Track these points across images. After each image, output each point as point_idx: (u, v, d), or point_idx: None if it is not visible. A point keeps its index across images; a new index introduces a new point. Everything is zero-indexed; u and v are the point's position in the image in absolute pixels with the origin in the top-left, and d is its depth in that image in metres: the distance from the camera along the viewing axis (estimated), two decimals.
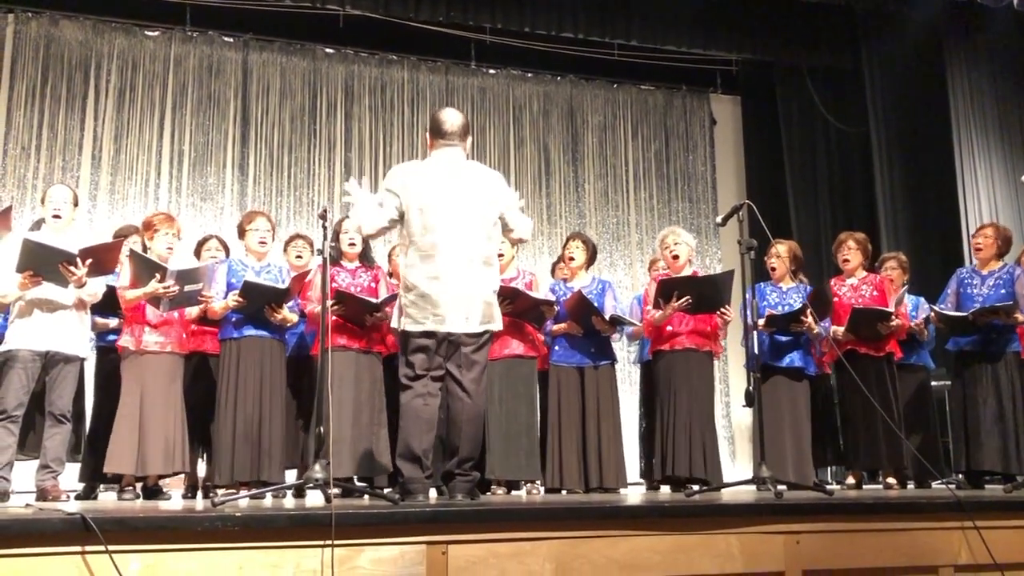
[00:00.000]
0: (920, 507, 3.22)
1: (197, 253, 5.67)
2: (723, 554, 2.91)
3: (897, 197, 9.05)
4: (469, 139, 3.96)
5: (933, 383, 6.23)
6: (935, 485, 5.67)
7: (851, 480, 5.61)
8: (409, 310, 3.69)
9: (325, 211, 3.67)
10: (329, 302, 3.77)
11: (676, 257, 5.40)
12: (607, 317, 5.35)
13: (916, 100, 9.14)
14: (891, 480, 5.40)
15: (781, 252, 5.54)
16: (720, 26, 9.18)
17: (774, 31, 9.38)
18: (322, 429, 3.40)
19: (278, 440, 4.91)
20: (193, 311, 4.98)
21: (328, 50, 9.19)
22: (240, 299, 4.85)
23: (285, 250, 5.69)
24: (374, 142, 9.23)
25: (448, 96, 9.41)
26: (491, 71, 9.72)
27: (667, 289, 5.16)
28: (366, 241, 5.08)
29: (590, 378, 5.40)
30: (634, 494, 5.38)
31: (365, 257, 5.19)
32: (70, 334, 4.60)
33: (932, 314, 5.65)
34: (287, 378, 5.09)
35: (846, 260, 5.64)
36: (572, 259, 5.57)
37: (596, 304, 5.35)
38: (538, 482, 5.37)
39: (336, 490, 3.30)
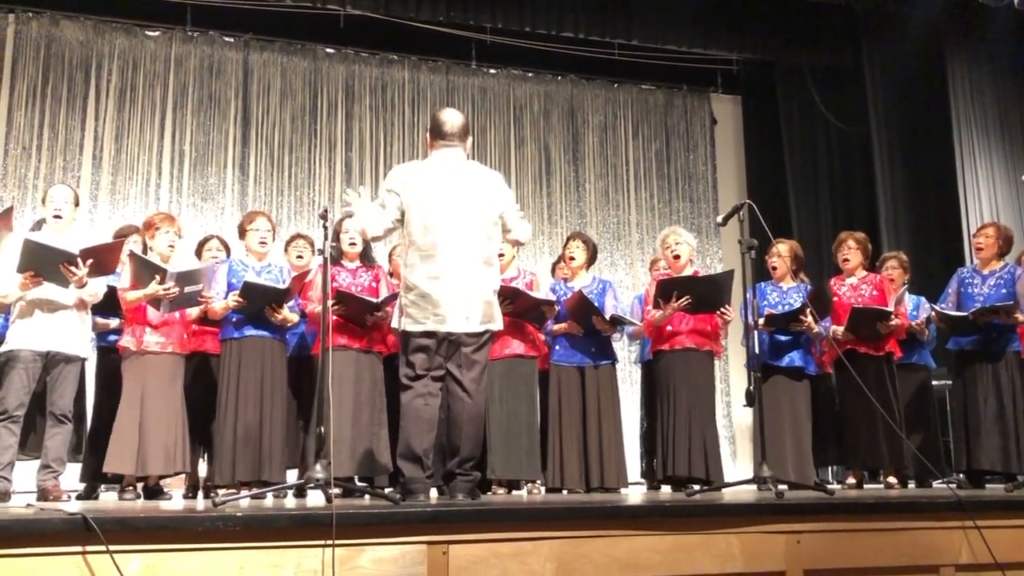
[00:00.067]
0: (921, 506, 3.22)
1: (198, 253, 5.68)
2: (724, 554, 2.91)
3: (898, 196, 9.05)
4: (469, 139, 3.96)
5: (934, 382, 6.23)
6: (936, 484, 5.67)
7: (852, 480, 5.61)
8: (409, 310, 3.69)
9: (326, 211, 3.67)
10: (330, 302, 3.77)
11: (677, 257, 5.40)
12: (608, 317, 5.35)
13: (917, 99, 9.14)
14: (892, 480, 5.40)
15: (782, 252, 5.54)
16: (721, 26, 9.17)
17: (775, 31, 9.37)
18: (323, 429, 3.41)
19: (279, 440, 4.91)
20: (194, 311, 4.99)
21: (329, 50, 9.19)
22: (240, 299, 4.85)
23: (286, 250, 5.69)
24: (375, 142, 9.23)
25: (449, 96, 9.41)
26: (491, 71, 9.72)
27: (666, 289, 5.16)
28: (367, 241, 5.08)
29: (591, 378, 5.39)
30: (635, 494, 5.38)
31: (366, 257, 5.20)
32: (71, 334, 4.60)
33: (933, 313, 5.65)
34: (288, 378, 5.09)
35: (846, 259, 5.64)
36: (573, 259, 5.57)
37: (597, 304, 5.35)
38: (539, 482, 5.37)
39: (337, 490, 3.30)
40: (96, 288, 4.68)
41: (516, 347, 5.26)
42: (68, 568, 2.34)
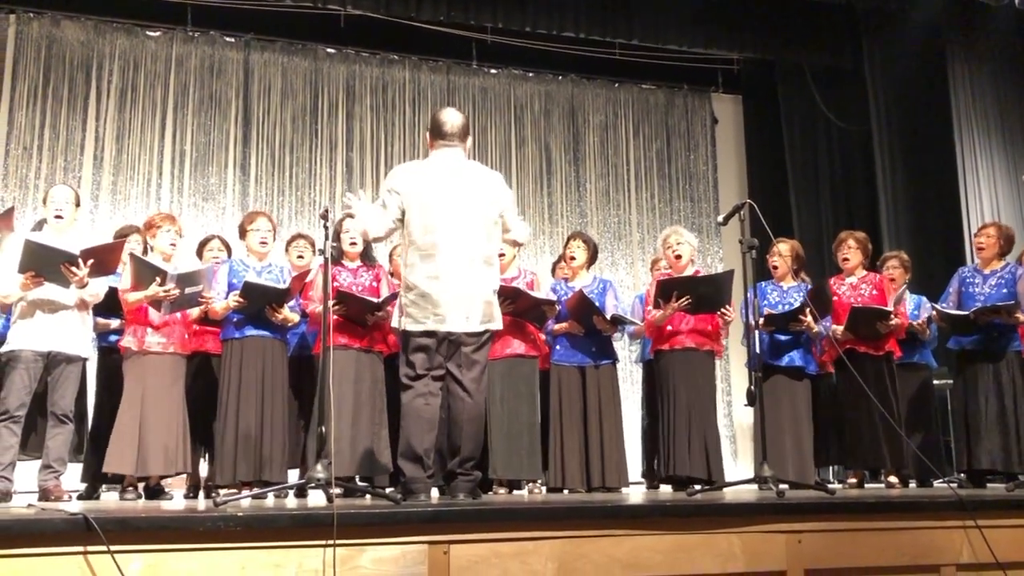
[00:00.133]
0: (922, 506, 3.22)
1: (199, 253, 5.68)
2: (725, 553, 2.91)
3: (899, 196, 9.04)
4: (469, 139, 3.97)
5: (935, 382, 6.23)
6: (937, 484, 5.67)
7: (853, 479, 5.61)
8: (409, 310, 3.69)
9: (327, 211, 3.68)
10: (330, 302, 3.77)
11: (679, 257, 5.40)
12: (608, 316, 5.35)
13: (918, 99, 9.13)
14: (893, 479, 5.40)
15: (783, 251, 5.54)
16: (721, 25, 9.17)
17: (775, 30, 9.37)
18: (323, 429, 3.41)
19: (280, 440, 4.91)
20: (194, 312, 4.99)
21: (329, 50, 9.19)
22: (241, 299, 4.85)
23: (286, 250, 5.69)
24: (375, 142, 9.23)
25: (449, 96, 9.41)
26: (492, 71, 9.72)
27: (666, 289, 5.16)
28: (367, 241, 5.08)
29: (591, 377, 5.39)
30: (636, 493, 5.38)
31: (366, 256, 5.20)
32: (72, 334, 4.60)
33: (934, 313, 5.65)
34: (289, 378, 5.09)
35: (846, 259, 5.64)
36: (573, 258, 5.57)
37: (597, 303, 5.34)
38: (540, 481, 5.37)
39: (338, 490, 3.30)
40: (97, 288, 4.69)
41: (517, 347, 5.26)
42: (69, 568, 2.34)
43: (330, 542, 2.50)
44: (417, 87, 9.44)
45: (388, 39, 9.11)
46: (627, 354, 8.11)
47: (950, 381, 6.27)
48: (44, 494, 4.49)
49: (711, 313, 5.27)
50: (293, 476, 5.18)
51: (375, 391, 4.94)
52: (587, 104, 10.00)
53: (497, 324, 3.81)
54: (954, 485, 4.96)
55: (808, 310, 5.21)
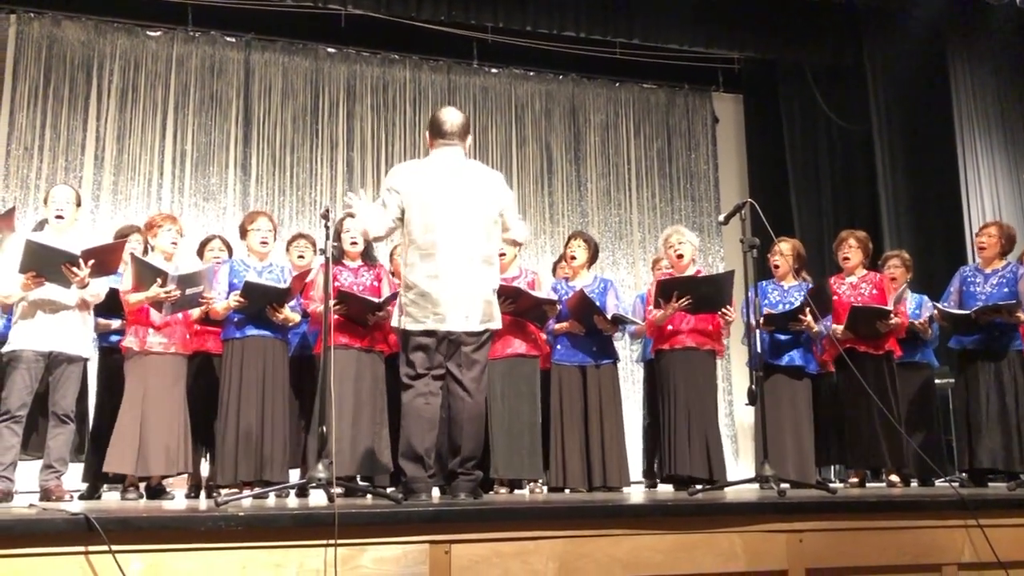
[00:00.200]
0: (923, 505, 3.22)
1: (200, 253, 5.69)
2: (726, 553, 2.91)
3: (900, 195, 9.04)
4: (469, 138, 3.97)
5: (937, 381, 6.22)
6: (938, 483, 5.67)
7: (854, 479, 5.61)
8: (409, 309, 3.69)
9: (328, 210, 3.68)
10: (331, 302, 3.77)
11: (680, 256, 5.40)
12: (609, 316, 5.35)
13: (918, 97, 9.12)
14: (894, 478, 5.40)
15: (784, 250, 5.54)
16: (722, 24, 9.16)
17: (776, 29, 9.36)
18: (324, 428, 3.41)
19: (281, 440, 4.91)
20: (195, 312, 4.99)
21: (330, 50, 9.19)
22: (241, 299, 4.85)
23: (287, 250, 5.69)
24: (376, 141, 9.23)
25: (450, 95, 9.41)
26: (493, 70, 9.72)
27: (666, 289, 5.16)
28: (368, 241, 5.08)
29: (592, 377, 5.39)
30: (637, 493, 5.38)
31: (367, 256, 5.20)
32: (73, 334, 4.61)
33: (935, 312, 5.64)
34: (290, 378, 5.09)
35: (846, 258, 5.64)
36: (574, 258, 5.56)
37: (598, 303, 5.34)
38: (541, 481, 5.37)
39: (339, 489, 3.30)
40: (98, 288, 4.69)
41: (518, 346, 5.26)
42: (71, 568, 2.34)
43: (331, 542, 2.50)
44: (418, 87, 9.44)
45: (389, 39, 9.10)
46: (628, 354, 8.10)
47: (952, 380, 6.26)
48: (45, 494, 4.49)
49: (712, 313, 5.27)
50: (294, 476, 5.18)
51: (376, 391, 4.94)
52: (588, 103, 10.00)
53: (497, 323, 3.81)
54: (955, 484, 4.96)
55: (808, 309, 5.21)
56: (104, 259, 4.55)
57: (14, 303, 4.59)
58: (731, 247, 9.57)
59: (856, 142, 9.61)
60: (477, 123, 9.41)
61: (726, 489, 4.47)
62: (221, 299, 4.94)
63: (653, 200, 10.01)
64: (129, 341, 4.84)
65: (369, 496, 3.92)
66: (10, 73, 8.18)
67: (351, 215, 4.64)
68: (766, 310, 5.37)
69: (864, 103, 9.26)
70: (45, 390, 4.61)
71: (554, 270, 6.38)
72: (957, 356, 5.59)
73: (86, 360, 4.76)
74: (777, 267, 5.61)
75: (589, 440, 5.30)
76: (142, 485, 4.90)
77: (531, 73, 9.85)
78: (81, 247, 4.50)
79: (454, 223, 3.71)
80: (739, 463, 9.19)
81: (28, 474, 4.82)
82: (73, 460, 4.88)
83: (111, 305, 4.94)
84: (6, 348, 4.59)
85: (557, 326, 5.44)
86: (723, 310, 5.24)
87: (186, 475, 5.17)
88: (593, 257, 5.66)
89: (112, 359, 5.14)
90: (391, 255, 5.76)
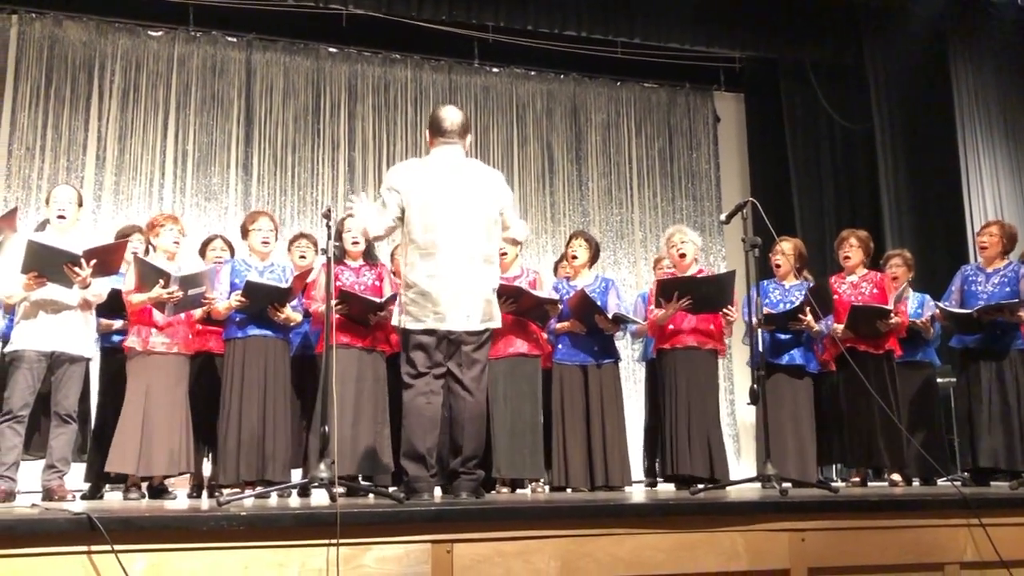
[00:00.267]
0: (925, 504, 3.22)
1: (202, 253, 5.69)
2: (728, 552, 2.91)
3: (901, 194, 9.03)
4: (469, 137, 3.97)
5: (939, 380, 6.21)
6: (940, 482, 5.66)
7: (856, 478, 5.61)
8: (409, 308, 3.69)
9: (329, 210, 3.68)
10: (333, 301, 3.77)
11: (683, 256, 5.40)
12: (610, 315, 5.35)
13: (920, 96, 9.12)
14: (896, 477, 5.39)
15: (786, 249, 5.54)
16: (723, 23, 9.16)
17: (777, 28, 9.36)
18: (326, 428, 3.41)
19: (283, 439, 4.91)
20: (197, 312, 5.00)
21: (331, 49, 9.19)
22: (243, 299, 4.86)
23: (289, 250, 5.69)
24: (377, 141, 9.23)
25: (451, 95, 9.40)
26: (494, 70, 9.72)
27: (666, 289, 5.16)
28: (369, 240, 5.08)
29: (593, 376, 5.38)
30: (639, 492, 5.38)
31: (369, 255, 5.20)
32: (75, 334, 4.61)
33: (937, 311, 5.64)
34: (291, 377, 5.10)
35: (847, 257, 5.64)
36: (575, 257, 5.56)
37: (599, 302, 5.34)
38: (543, 480, 5.36)
39: (341, 489, 3.30)
40: (100, 289, 4.70)
41: (519, 346, 5.26)
42: (73, 568, 2.35)
43: (333, 541, 2.50)
44: (419, 86, 9.44)
45: (390, 38, 9.11)
46: (630, 353, 8.10)
47: (954, 379, 6.26)
48: (48, 494, 4.50)
49: (713, 313, 5.27)
50: (296, 476, 5.19)
51: (377, 390, 4.94)
52: (589, 103, 10.00)
53: (497, 323, 3.82)
54: (958, 483, 4.95)
55: (808, 309, 5.21)
56: (106, 259, 4.56)
57: (16, 303, 4.60)
58: (733, 246, 9.56)
59: (858, 141, 9.61)
60: (478, 123, 9.42)
61: (728, 488, 4.47)
62: (223, 299, 4.94)
63: (654, 199, 10.01)
64: (132, 341, 4.84)
65: (371, 496, 3.92)
66: (12, 73, 8.19)
67: (351, 215, 4.64)
68: (766, 310, 5.37)
69: (866, 102, 9.25)
70: (47, 390, 4.61)
71: (555, 269, 6.38)
72: (959, 355, 5.59)
73: (88, 360, 4.77)
74: (779, 266, 5.61)
75: (591, 439, 5.30)
76: (144, 485, 4.90)
77: (532, 73, 9.85)
78: (83, 247, 4.50)
79: (454, 222, 3.71)
80: (741, 462, 9.18)
81: (30, 474, 4.83)
82: (75, 460, 4.89)
83: (113, 305, 4.94)
84: (8, 348, 4.59)
85: (558, 325, 5.44)
86: (725, 310, 5.24)
87: (188, 475, 5.18)
88: (594, 256, 5.66)
89: (114, 359, 5.15)
90: (392, 254, 5.76)
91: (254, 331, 4.95)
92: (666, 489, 5.60)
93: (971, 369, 5.44)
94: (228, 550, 2.47)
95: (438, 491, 3.97)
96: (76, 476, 5.08)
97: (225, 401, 4.89)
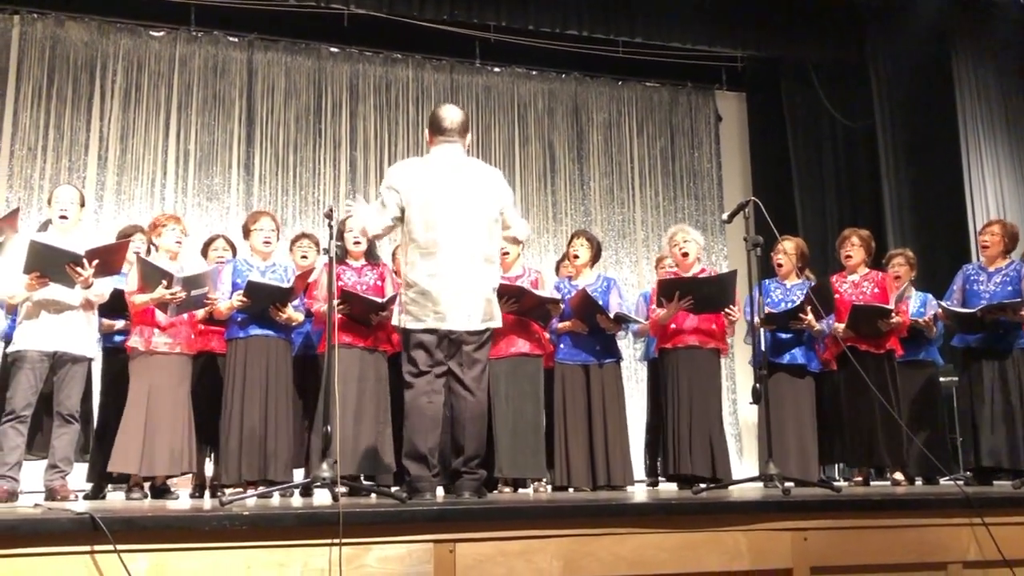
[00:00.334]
0: (928, 503, 3.21)
1: (204, 253, 5.70)
2: (731, 551, 2.91)
3: (903, 193, 9.02)
4: (469, 135, 3.96)
5: (942, 379, 6.21)
6: (943, 481, 5.66)
7: (858, 477, 5.60)
8: (410, 307, 3.69)
9: (331, 210, 3.68)
10: (335, 301, 3.77)
11: (686, 255, 5.39)
12: (612, 315, 5.34)
13: (922, 95, 9.10)
14: (898, 476, 5.39)
15: (788, 249, 5.53)
16: (725, 23, 9.15)
17: (779, 27, 9.34)
18: (328, 428, 3.41)
19: (285, 439, 4.92)
20: (200, 312, 5.00)
21: (333, 49, 9.20)
22: (244, 299, 4.86)
23: (291, 250, 5.70)
24: (379, 141, 9.23)
25: (453, 94, 9.41)
26: (496, 69, 9.72)
27: (667, 289, 5.16)
28: (373, 240, 5.08)
29: (595, 376, 5.38)
30: (641, 492, 5.38)
31: (371, 255, 5.20)
32: (77, 334, 4.62)
33: (940, 310, 5.63)
34: (293, 377, 5.10)
35: (848, 256, 5.63)
36: (577, 257, 5.56)
37: (601, 302, 5.34)
38: (545, 480, 5.36)
39: (343, 489, 3.30)
40: (102, 289, 4.70)
41: (521, 346, 5.25)
42: (76, 568, 2.35)
43: (336, 541, 2.50)
44: (421, 86, 9.45)
45: (391, 38, 9.11)
46: (632, 352, 8.10)
47: (956, 378, 6.26)
48: (50, 494, 4.50)
49: (714, 313, 5.26)
50: (298, 475, 5.19)
51: (379, 390, 4.94)
52: (591, 102, 10.00)
53: (497, 322, 3.81)
54: (960, 482, 4.95)
55: (808, 308, 5.20)
56: (108, 259, 4.56)
57: (19, 303, 4.60)
58: (735, 245, 9.56)
59: (860, 140, 9.60)
60: (480, 122, 9.42)
61: (730, 488, 4.47)
62: (224, 299, 4.94)
63: (656, 199, 10.01)
64: (134, 341, 4.85)
65: (373, 495, 3.92)
66: (14, 73, 8.20)
67: (350, 215, 4.64)
68: (767, 309, 5.36)
69: (867, 101, 9.25)
70: (50, 390, 4.62)
71: (557, 269, 6.38)
72: (961, 354, 5.58)
73: (90, 360, 4.77)
74: (780, 265, 5.60)
75: (593, 439, 5.29)
76: (146, 485, 4.91)
77: (534, 72, 9.85)
78: (85, 247, 4.51)
79: (455, 221, 3.70)
80: (743, 462, 9.18)
81: (33, 474, 4.83)
82: (78, 460, 4.89)
83: (115, 305, 4.94)
84: (11, 348, 4.60)
85: (560, 325, 5.43)
86: (727, 310, 5.23)
87: (190, 475, 5.18)
88: (596, 256, 5.65)
89: (116, 359, 5.15)
90: (393, 254, 5.76)
91: (256, 331, 4.95)
92: (668, 489, 5.60)
93: (973, 368, 5.43)
94: (230, 550, 2.47)
95: (440, 491, 3.97)
96: (78, 476, 5.08)
97: (227, 401, 4.89)
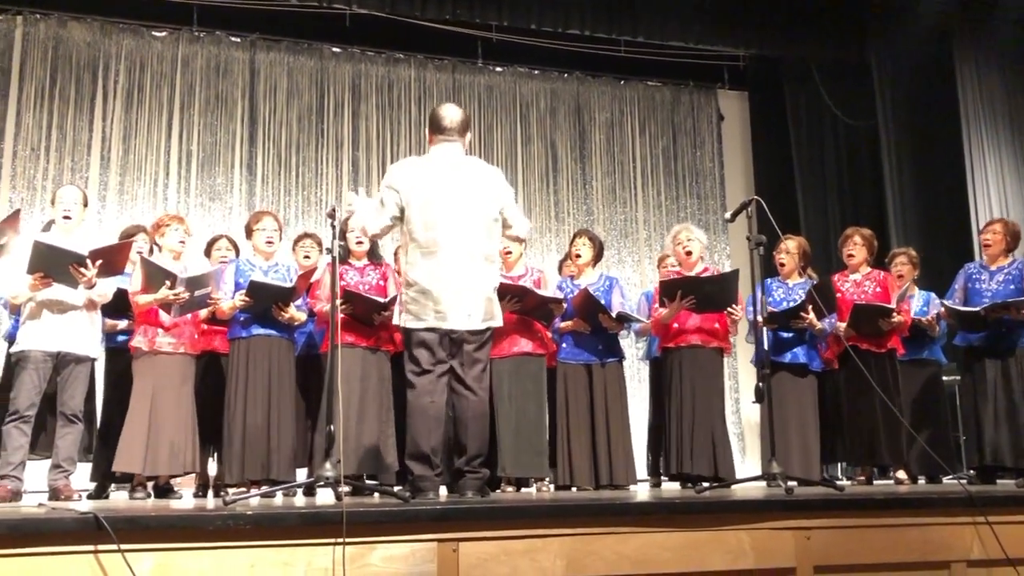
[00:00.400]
0: (931, 502, 3.21)
1: (207, 253, 5.70)
2: (734, 550, 2.91)
3: (906, 192, 9.01)
4: (469, 135, 3.96)
5: (945, 378, 6.20)
6: (946, 480, 5.66)
7: (861, 476, 5.60)
8: (410, 307, 3.69)
9: (334, 210, 3.68)
10: (338, 301, 3.77)
11: (689, 253, 5.39)
12: (614, 314, 5.34)
13: (924, 94, 9.09)
14: (901, 475, 5.39)
15: (790, 248, 5.53)
16: (726, 22, 9.15)
17: (781, 26, 9.34)
18: (332, 427, 3.41)
19: (288, 438, 4.92)
20: (203, 312, 5.01)
21: (335, 49, 9.20)
22: (247, 298, 4.86)
23: (293, 249, 5.70)
24: (381, 141, 9.24)
25: (455, 94, 9.41)
26: (498, 69, 9.72)
27: (669, 289, 5.16)
28: (373, 239, 5.09)
29: (598, 375, 5.38)
30: (644, 491, 5.38)
31: (373, 255, 5.20)
32: (81, 334, 4.62)
33: (942, 309, 5.63)
34: (296, 377, 5.10)
35: (851, 255, 5.63)
36: (579, 256, 5.56)
37: (603, 301, 5.34)
38: (548, 479, 5.36)
39: (346, 488, 3.31)
40: (105, 289, 4.70)
41: (524, 345, 5.26)
42: (80, 567, 2.35)
43: (339, 540, 2.51)
44: (423, 86, 9.45)
45: (393, 38, 9.12)
46: (634, 352, 8.10)
47: (960, 377, 6.25)
48: (54, 493, 4.51)
49: (717, 312, 5.26)
50: (301, 475, 5.19)
51: (382, 390, 4.95)
52: (593, 102, 10.00)
53: (498, 321, 3.82)
54: (964, 481, 4.95)
55: (810, 307, 5.20)
56: (111, 259, 4.57)
57: (22, 304, 4.61)
58: (737, 244, 9.56)
59: (862, 139, 9.59)
60: (482, 122, 9.43)
61: (733, 487, 4.47)
62: (227, 299, 4.95)
63: (659, 198, 10.01)
64: (138, 341, 4.86)
65: (377, 495, 3.92)
66: (16, 74, 8.21)
67: (350, 214, 4.64)
68: (769, 308, 5.36)
69: (870, 100, 9.24)
70: (53, 390, 4.62)
71: (560, 268, 6.38)
72: (963, 353, 5.58)
73: (94, 360, 4.78)
74: (783, 264, 5.60)
75: (596, 438, 5.29)
76: (150, 484, 4.91)
77: (536, 72, 9.85)
78: (88, 247, 4.51)
79: (455, 220, 3.70)
80: (746, 461, 9.18)
81: (37, 474, 4.83)
82: (81, 460, 4.90)
83: (118, 305, 4.95)
84: (14, 348, 4.60)
85: (563, 324, 5.44)
86: (729, 309, 5.23)
87: (194, 474, 5.18)
88: (598, 255, 5.65)
89: (120, 359, 5.15)
90: (395, 254, 5.76)
91: (259, 331, 4.96)
92: (670, 488, 5.60)
93: (976, 367, 5.42)
94: (234, 549, 2.47)
95: (443, 490, 3.97)
96: (82, 476, 5.09)
97: (230, 400, 4.89)
